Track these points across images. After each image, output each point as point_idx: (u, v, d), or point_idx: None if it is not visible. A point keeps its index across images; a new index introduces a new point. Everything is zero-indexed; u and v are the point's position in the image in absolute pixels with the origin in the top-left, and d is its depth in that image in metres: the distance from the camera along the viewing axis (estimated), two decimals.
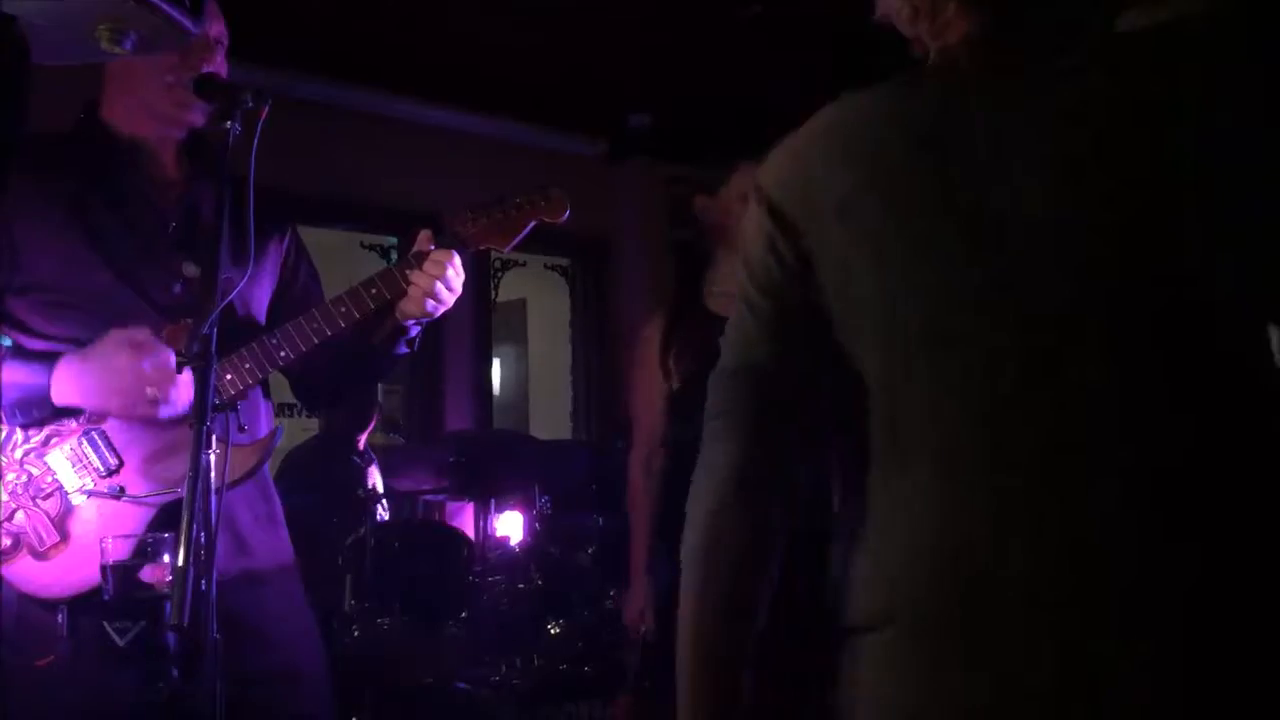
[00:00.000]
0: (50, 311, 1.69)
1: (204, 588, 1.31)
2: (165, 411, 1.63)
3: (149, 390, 1.60)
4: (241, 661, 1.45)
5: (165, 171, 1.81)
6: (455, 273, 1.78)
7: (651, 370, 2.45)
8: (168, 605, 1.31)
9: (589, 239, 5.57)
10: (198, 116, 1.77)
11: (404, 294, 1.77)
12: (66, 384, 1.63)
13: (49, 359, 1.64)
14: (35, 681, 1.59)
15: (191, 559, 1.29)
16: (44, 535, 1.63)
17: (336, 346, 1.82)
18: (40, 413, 1.65)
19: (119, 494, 1.66)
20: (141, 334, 1.63)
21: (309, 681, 1.84)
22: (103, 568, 1.46)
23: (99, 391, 1.63)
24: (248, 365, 1.72)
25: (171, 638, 1.31)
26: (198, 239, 1.78)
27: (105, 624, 1.41)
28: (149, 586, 1.43)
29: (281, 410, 5.37)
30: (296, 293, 1.94)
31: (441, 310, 1.80)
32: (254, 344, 1.73)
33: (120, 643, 1.39)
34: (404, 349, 1.89)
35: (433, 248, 1.78)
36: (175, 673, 1.32)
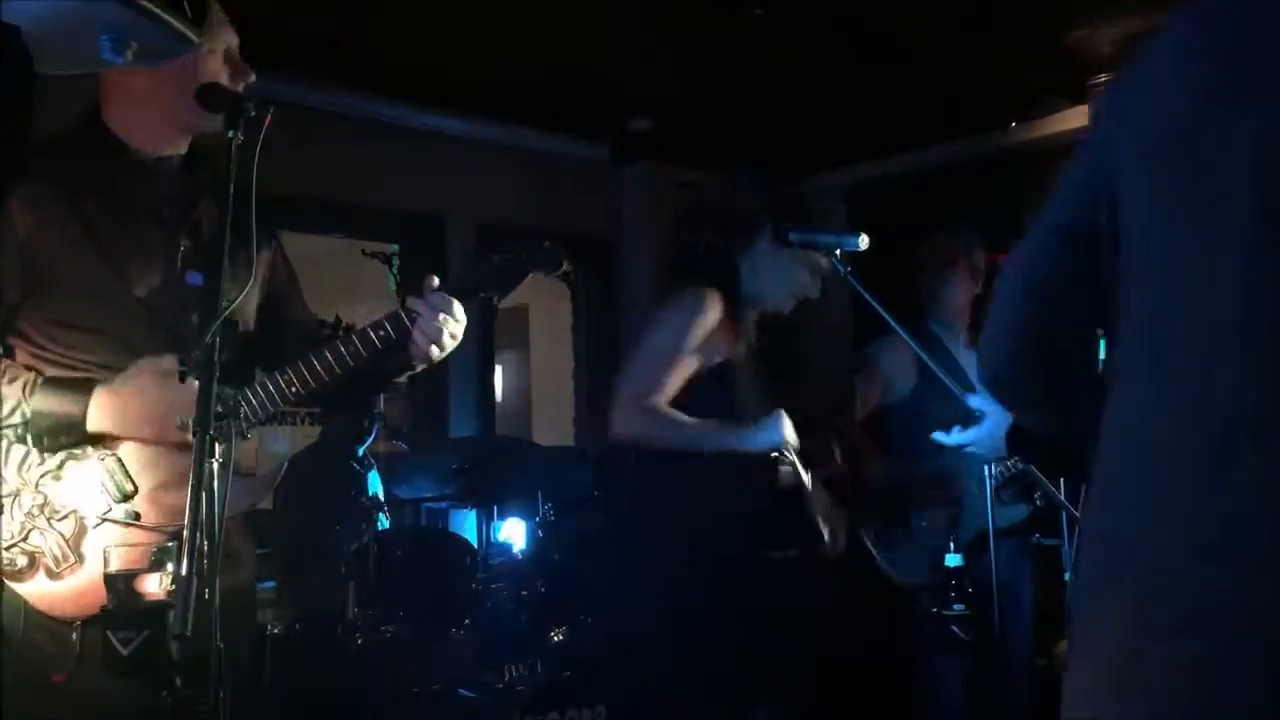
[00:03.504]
0: (60, 331, 1.70)
1: (207, 596, 1.32)
2: None
3: (180, 418, 1.60)
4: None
5: (172, 186, 1.82)
6: (457, 319, 1.83)
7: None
8: (171, 614, 1.31)
9: (591, 244, 5.57)
10: (204, 124, 1.79)
11: (409, 335, 1.81)
12: (101, 412, 1.66)
13: (82, 387, 1.67)
14: (46, 694, 1.62)
15: (194, 568, 1.30)
16: (59, 556, 1.65)
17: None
18: (69, 439, 1.67)
19: (134, 519, 1.68)
20: (170, 362, 1.66)
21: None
22: (106, 576, 1.46)
23: (133, 420, 1.68)
24: (260, 398, 1.76)
25: (175, 646, 1.31)
26: (204, 257, 1.80)
27: (109, 633, 1.41)
28: (153, 596, 1.43)
29: (284, 418, 5.39)
30: (282, 299, 2.01)
31: (442, 355, 1.84)
32: (266, 380, 1.76)
33: (124, 652, 1.39)
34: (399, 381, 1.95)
35: (435, 290, 1.82)
36: (179, 681, 1.32)
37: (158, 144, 1.80)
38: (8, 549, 1.64)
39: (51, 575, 1.65)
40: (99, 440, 1.69)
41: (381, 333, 1.79)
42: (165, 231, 1.79)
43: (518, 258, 1.91)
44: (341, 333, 1.84)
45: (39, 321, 1.70)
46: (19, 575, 1.64)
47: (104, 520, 1.67)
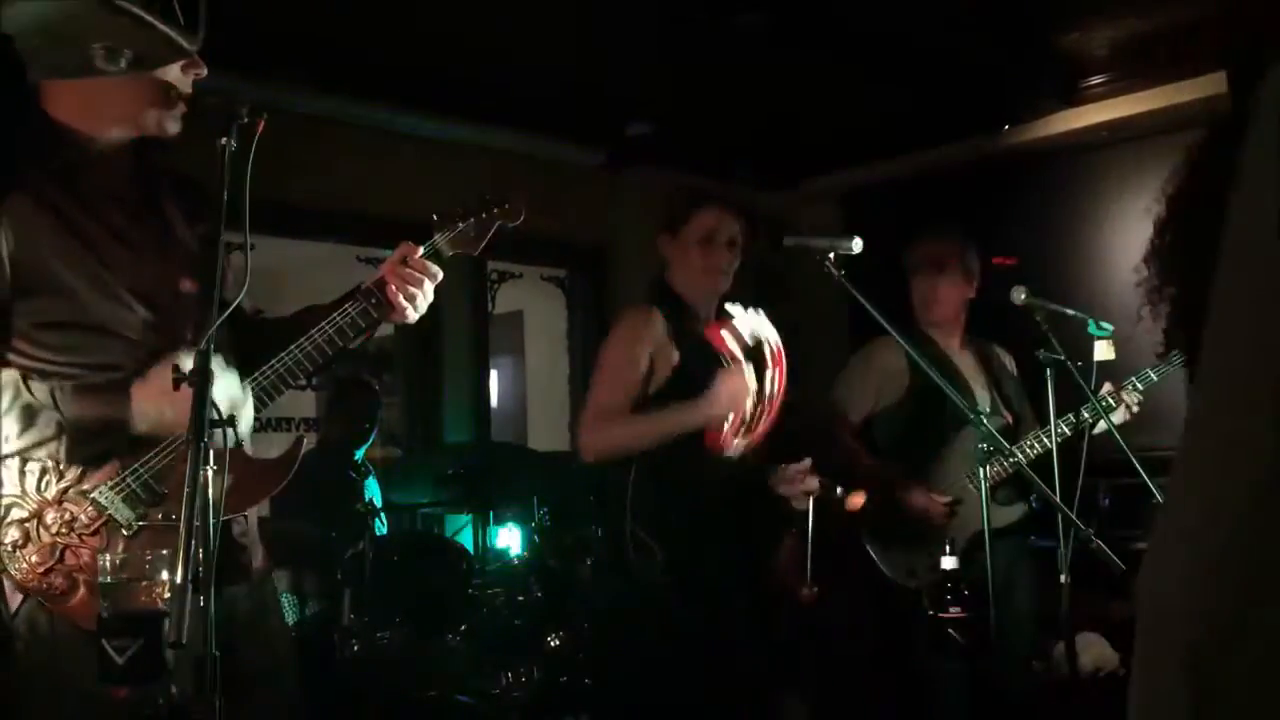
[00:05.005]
0: (53, 333, 1.64)
1: (202, 604, 1.31)
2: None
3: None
4: (241, 658, 1.47)
5: (128, 172, 1.77)
6: (432, 282, 1.92)
7: None
8: (166, 622, 1.31)
9: (586, 249, 5.57)
10: (177, 125, 1.76)
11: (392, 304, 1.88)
12: (144, 415, 1.63)
13: (118, 389, 1.63)
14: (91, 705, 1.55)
15: (189, 575, 1.29)
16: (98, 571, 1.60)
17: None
18: (108, 444, 1.64)
19: (175, 522, 1.64)
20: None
21: (290, 672, 1.91)
22: (101, 585, 1.45)
23: (176, 420, 1.61)
24: (270, 381, 1.76)
25: (170, 655, 1.31)
26: (170, 246, 1.78)
27: (104, 642, 1.40)
28: (148, 604, 1.43)
29: (280, 425, 5.38)
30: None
31: (414, 318, 1.92)
32: (274, 362, 1.76)
33: (119, 661, 1.38)
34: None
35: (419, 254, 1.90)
36: (174, 689, 1.32)
37: (109, 132, 1.73)
38: (44, 573, 1.61)
39: (94, 592, 1.59)
40: (135, 444, 1.65)
41: (374, 299, 1.85)
42: (136, 220, 1.74)
43: (482, 213, 1.98)
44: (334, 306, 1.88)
45: (27, 328, 1.63)
46: (61, 598, 1.61)
47: (141, 527, 1.64)
